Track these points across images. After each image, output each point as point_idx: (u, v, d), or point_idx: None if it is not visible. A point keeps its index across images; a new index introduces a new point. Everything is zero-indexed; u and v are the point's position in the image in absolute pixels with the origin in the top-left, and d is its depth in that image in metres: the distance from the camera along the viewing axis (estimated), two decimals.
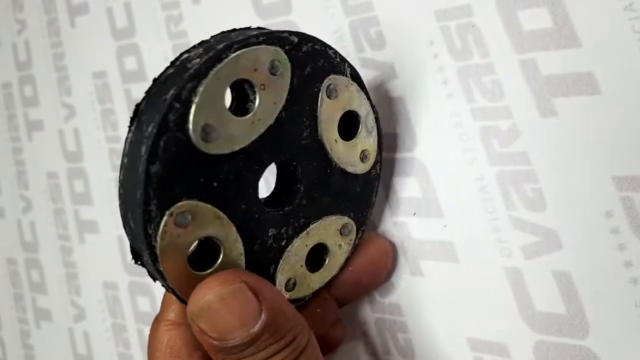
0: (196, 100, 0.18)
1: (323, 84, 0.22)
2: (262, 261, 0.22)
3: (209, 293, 0.18)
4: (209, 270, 0.20)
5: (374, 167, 0.24)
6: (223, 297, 0.18)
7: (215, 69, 0.18)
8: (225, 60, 0.18)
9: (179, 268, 0.19)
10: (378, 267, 0.27)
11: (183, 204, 0.19)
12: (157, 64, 0.36)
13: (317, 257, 0.24)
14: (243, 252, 0.21)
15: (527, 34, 0.24)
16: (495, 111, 0.25)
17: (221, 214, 0.20)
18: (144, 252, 0.19)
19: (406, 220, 0.27)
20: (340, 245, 0.24)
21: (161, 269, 0.19)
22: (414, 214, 0.27)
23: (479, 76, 0.25)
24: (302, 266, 0.23)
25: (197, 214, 0.19)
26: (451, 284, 0.26)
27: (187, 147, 0.18)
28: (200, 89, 0.18)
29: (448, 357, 0.27)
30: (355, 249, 0.25)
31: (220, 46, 0.19)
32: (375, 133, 0.24)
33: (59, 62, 0.42)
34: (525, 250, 0.24)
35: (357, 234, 0.25)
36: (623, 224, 0.23)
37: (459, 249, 0.26)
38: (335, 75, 0.22)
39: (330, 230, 0.24)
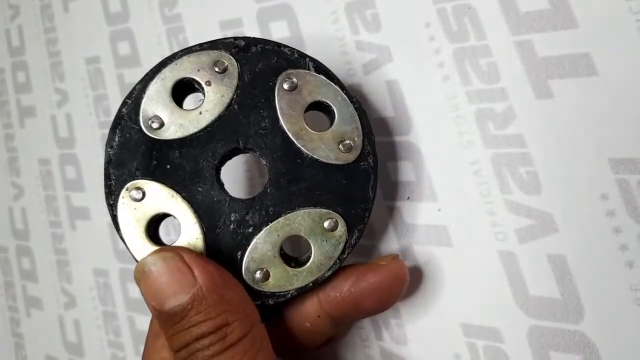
0: (144, 97, 0.23)
1: (279, 78, 0.23)
2: (226, 245, 0.23)
3: (148, 258, 0.20)
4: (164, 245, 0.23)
5: (363, 158, 0.23)
6: (157, 263, 0.20)
7: (160, 73, 0.23)
8: (169, 65, 0.23)
9: (137, 238, 0.23)
10: (386, 294, 0.24)
11: (137, 181, 0.23)
12: (150, 48, 0.36)
13: (303, 253, 0.24)
14: (202, 232, 0.23)
15: (524, 15, 0.24)
16: (491, 93, 0.25)
17: (174, 193, 0.23)
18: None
19: (400, 205, 0.27)
20: (325, 241, 0.23)
21: (122, 236, 0.23)
22: (408, 198, 0.27)
23: (475, 58, 0.25)
24: (275, 256, 0.23)
25: (149, 191, 0.23)
26: (445, 268, 0.26)
27: (138, 134, 0.23)
28: (148, 88, 0.23)
29: (441, 343, 0.26)
30: (351, 249, 0.23)
31: (169, 56, 0.24)
32: (357, 123, 0.23)
33: (52, 47, 0.41)
34: (519, 234, 0.24)
35: (350, 233, 0.23)
36: (619, 207, 0.22)
37: (452, 233, 0.26)
38: (294, 70, 0.23)
39: (307, 223, 0.23)
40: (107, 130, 0.38)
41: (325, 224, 0.23)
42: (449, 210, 0.26)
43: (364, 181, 0.23)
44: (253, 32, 0.31)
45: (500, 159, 0.25)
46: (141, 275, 0.20)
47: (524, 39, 0.24)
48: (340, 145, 0.23)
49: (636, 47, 0.22)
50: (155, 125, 0.23)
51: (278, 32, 0.30)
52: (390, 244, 0.27)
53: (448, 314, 0.26)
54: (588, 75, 0.23)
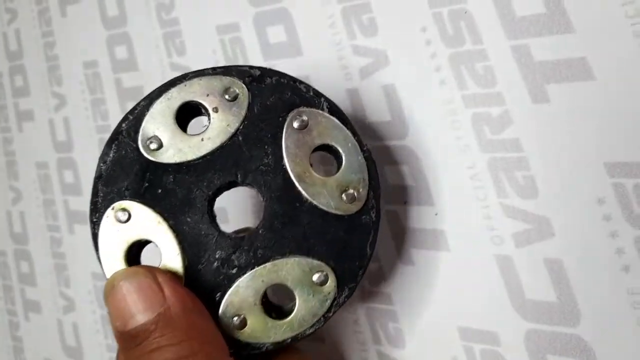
0: (147, 115, 0.22)
1: (289, 115, 0.22)
2: (206, 283, 0.21)
3: (118, 273, 0.19)
4: None
5: (365, 212, 0.22)
6: (127, 279, 0.19)
7: (167, 92, 0.22)
8: (178, 85, 0.22)
9: (114, 260, 0.21)
10: None
11: (125, 202, 0.22)
12: (148, 52, 0.36)
13: (288, 301, 0.22)
14: (183, 266, 0.21)
15: (520, 19, 0.24)
16: (488, 98, 0.25)
17: (162, 219, 0.22)
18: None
19: (397, 209, 0.27)
20: (312, 295, 0.21)
21: (99, 256, 0.21)
22: (405, 202, 0.27)
23: (472, 62, 0.25)
24: (255, 304, 0.21)
25: (136, 214, 0.22)
26: (442, 272, 0.26)
27: (134, 153, 0.22)
28: (153, 106, 0.22)
29: (438, 347, 0.26)
30: (339, 308, 0.21)
31: (179, 76, 0.23)
32: (364, 173, 0.22)
33: (49, 51, 0.41)
34: (516, 238, 0.24)
35: (340, 290, 0.21)
36: (615, 211, 0.22)
37: (450, 237, 0.26)
38: (307, 108, 0.22)
39: (295, 273, 0.21)
40: (104, 135, 0.38)
41: (315, 277, 0.21)
42: (446, 215, 0.26)
43: (363, 236, 0.22)
44: (250, 36, 0.31)
45: (496, 164, 0.25)
46: (109, 291, 0.19)
47: (520, 44, 0.24)
48: (343, 195, 0.22)
49: (632, 52, 0.22)
50: (153, 146, 0.22)
51: (275, 37, 0.30)
52: (388, 249, 0.27)
53: (445, 317, 0.26)
54: (584, 80, 0.23)
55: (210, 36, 0.33)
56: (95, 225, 0.22)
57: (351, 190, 0.22)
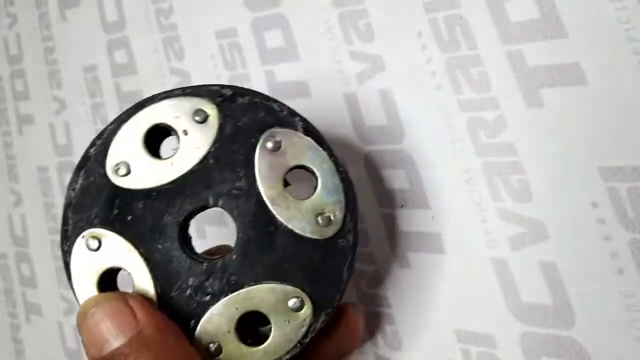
0: (115, 139, 0.21)
1: (262, 136, 0.21)
2: (179, 310, 0.21)
3: (89, 300, 0.19)
4: None
5: (342, 235, 0.21)
6: (99, 306, 0.19)
7: (135, 115, 0.21)
8: (146, 107, 0.21)
9: (86, 289, 0.21)
10: (343, 347, 0.23)
11: (94, 230, 0.21)
12: (147, 57, 0.36)
13: (263, 331, 0.22)
14: (156, 293, 0.21)
15: (514, 25, 0.24)
16: (482, 102, 0.25)
17: (132, 247, 0.21)
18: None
19: (394, 212, 0.27)
20: (287, 322, 0.21)
21: (72, 285, 0.21)
22: (402, 205, 0.27)
23: (467, 67, 0.25)
24: (229, 332, 0.21)
25: (106, 242, 0.21)
26: (438, 275, 0.26)
27: (102, 179, 0.21)
28: (120, 130, 0.21)
29: (435, 349, 0.27)
30: (315, 334, 0.21)
31: (148, 98, 0.22)
32: (340, 195, 0.21)
33: (49, 55, 0.41)
34: (511, 241, 0.24)
35: (316, 315, 0.21)
36: (609, 215, 0.23)
37: (446, 240, 0.26)
38: (280, 129, 0.21)
39: (270, 299, 0.21)
40: None
41: (290, 303, 0.21)
42: (442, 218, 0.26)
43: (340, 260, 0.21)
44: (248, 41, 0.32)
45: (491, 167, 0.25)
46: (82, 319, 0.19)
47: (515, 49, 0.24)
48: (319, 218, 0.21)
49: (625, 57, 0.22)
50: (122, 171, 0.21)
51: (273, 42, 0.31)
52: (384, 252, 0.28)
53: (442, 320, 0.26)
54: (578, 85, 0.23)
55: (209, 41, 0.33)
56: (66, 254, 0.21)
57: (327, 214, 0.21)
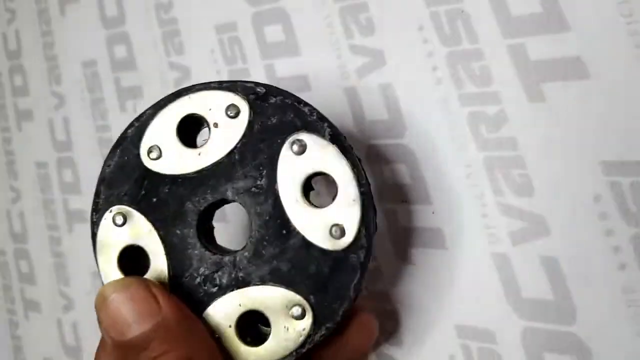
0: (151, 124, 0.22)
1: (289, 138, 0.21)
2: (187, 297, 0.21)
3: (110, 284, 0.19)
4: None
5: (354, 250, 0.20)
6: (120, 291, 0.19)
7: (172, 103, 0.22)
8: (183, 97, 0.22)
9: (108, 262, 0.22)
10: (355, 351, 0.23)
11: (122, 207, 0.22)
12: (147, 52, 0.36)
13: (264, 331, 0.22)
14: (168, 276, 0.21)
15: (516, 19, 0.24)
16: (484, 97, 0.25)
17: (152, 228, 0.22)
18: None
19: (395, 207, 0.27)
20: (287, 328, 0.20)
21: (96, 255, 0.22)
22: (403, 201, 0.27)
23: (468, 62, 0.25)
24: (230, 326, 0.21)
25: (131, 220, 0.22)
26: (439, 270, 0.26)
27: (135, 160, 0.22)
28: (157, 116, 0.22)
29: (436, 345, 0.26)
30: (312, 346, 0.20)
31: (186, 87, 0.23)
32: (358, 208, 0.20)
33: (49, 51, 0.41)
34: (512, 236, 0.24)
35: (316, 328, 0.20)
36: (611, 209, 0.22)
37: (447, 235, 0.26)
38: (307, 133, 0.21)
39: (274, 303, 0.20)
40: (104, 134, 0.38)
41: (292, 310, 0.20)
42: (443, 213, 0.26)
43: (348, 276, 0.20)
44: (248, 36, 0.31)
45: (493, 162, 0.25)
46: (102, 302, 0.19)
47: (516, 43, 0.24)
48: (333, 228, 0.20)
49: (627, 50, 0.22)
50: (153, 155, 0.22)
51: (273, 36, 0.31)
52: (385, 247, 0.28)
53: (442, 315, 0.26)
54: (580, 79, 0.23)
55: (209, 35, 0.33)
56: (94, 225, 0.22)
57: (342, 225, 0.20)
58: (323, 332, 0.20)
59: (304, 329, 0.20)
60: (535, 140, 0.24)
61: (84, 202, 0.39)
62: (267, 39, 0.31)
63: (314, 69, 0.29)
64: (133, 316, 0.18)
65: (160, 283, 0.21)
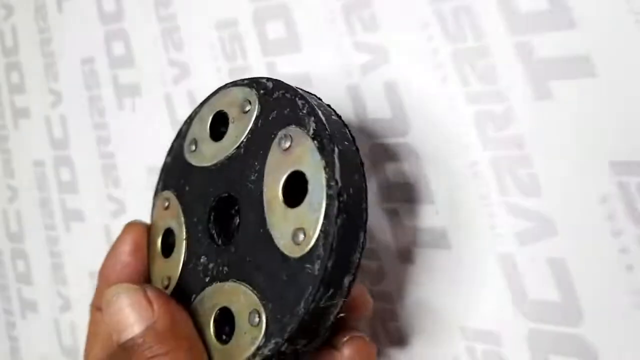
0: (195, 119, 0.24)
1: (279, 133, 0.20)
2: (188, 284, 0.22)
3: (113, 288, 0.21)
4: (166, 258, 0.24)
5: (309, 260, 0.18)
6: (120, 295, 0.20)
7: (210, 99, 0.24)
8: (217, 94, 0.24)
9: (154, 243, 0.24)
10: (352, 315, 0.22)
11: (168, 192, 0.24)
12: (145, 48, 0.35)
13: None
14: (182, 261, 0.23)
15: (523, 15, 0.24)
16: (490, 95, 0.24)
17: (182, 215, 0.23)
18: None
19: (398, 207, 0.27)
20: (245, 332, 0.19)
21: (150, 231, 0.25)
22: (406, 200, 0.27)
23: (474, 59, 0.25)
24: (210, 320, 0.20)
25: (171, 205, 0.24)
26: (443, 271, 0.26)
27: (181, 152, 0.24)
28: (200, 111, 0.24)
29: (439, 346, 0.26)
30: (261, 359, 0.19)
31: (224, 85, 0.24)
32: (320, 214, 0.18)
33: (46, 47, 0.41)
34: (519, 237, 0.24)
35: (266, 340, 0.18)
36: (619, 210, 0.22)
37: (451, 235, 0.26)
38: (296, 128, 0.19)
39: (241, 305, 0.19)
40: (101, 132, 0.38)
41: (252, 316, 0.19)
42: (447, 213, 0.26)
43: (301, 289, 0.18)
44: (249, 32, 0.31)
45: (499, 161, 0.24)
46: (105, 305, 0.20)
47: (523, 40, 0.24)
48: (296, 233, 0.18)
49: (636, 48, 0.22)
50: (192, 148, 0.24)
51: (274, 33, 0.30)
52: (389, 247, 0.27)
53: (447, 317, 0.26)
54: (588, 77, 0.22)
55: (209, 32, 0.32)
56: (153, 207, 0.25)
57: (303, 230, 0.18)
58: (272, 347, 0.18)
59: (256, 338, 0.19)
60: (542, 139, 0.23)
61: (82, 201, 0.39)
62: (268, 35, 0.30)
63: (316, 66, 0.29)
64: (129, 320, 0.19)
65: (172, 274, 0.23)
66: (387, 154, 0.27)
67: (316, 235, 0.18)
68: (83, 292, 0.39)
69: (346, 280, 0.18)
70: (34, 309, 0.42)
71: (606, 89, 0.22)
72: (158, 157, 0.34)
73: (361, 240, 0.19)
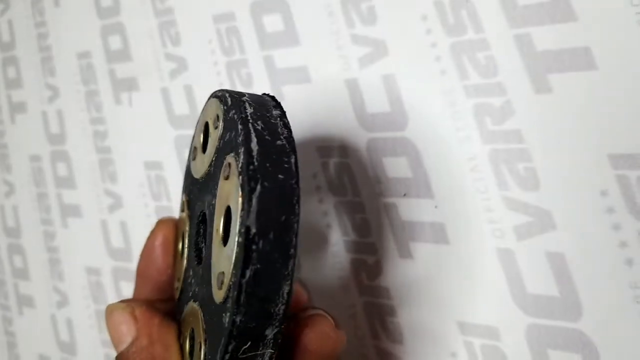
0: (197, 126, 0.23)
1: (224, 161, 0.18)
2: (185, 292, 0.22)
3: (111, 305, 0.22)
4: (181, 260, 0.24)
5: (224, 310, 0.16)
6: (114, 312, 0.22)
7: (205, 105, 0.22)
8: (209, 100, 0.22)
9: (176, 241, 0.24)
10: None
11: (185, 196, 0.24)
12: (142, 42, 0.35)
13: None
14: (184, 268, 0.23)
15: (522, 8, 0.23)
16: (489, 88, 0.24)
17: (188, 221, 0.23)
18: None
19: (396, 201, 0.27)
20: (191, 357, 0.19)
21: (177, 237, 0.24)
22: (404, 194, 0.26)
23: (473, 52, 0.25)
24: (186, 336, 0.20)
25: (184, 209, 0.24)
26: (441, 266, 0.26)
27: (188, 158, 0.24)
28: (200, 117, 0.23)
29: (438, 341, 0.26)
30: None
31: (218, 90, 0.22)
32: (230, 261, 0.16)
33: (42, 42, 0.40)
34: (517, 231, 0.24)
35: None
36: (618, 203, 0.22)
37: (449, 230, 0.25)
38: (233, 156, 0.17)
39: (198, 327, 0.19)
40: (98, 127, 0.37)
41: (200, 344, 0.18)
42: (445, 207, 0.25)
43: (219, 337, 0.16)
44: (246, 25, 0.31)
45: (498, 155, 0.24)
46: (105, 320, 0.22)
47: (523, 32, 0.23)
48: (218, 276, 0.17)
49: (636, 41, 0.22)
50: (192, 156, 0.23)
51: (272, 26, 0.30)
52: (386, 242, 0.27)
53: (445, 312, 0.26)
54: (587, 70, 0.22)
55: (206, 26, 0.32)
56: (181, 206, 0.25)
57: (224, 275, 0.16)
58: None
59: None
60: (541, 132, 0.23)
61: (79, 196, 0.38)
62: (266, 28, 0.30)
63: (314, 60, 0.29)
64: (118, 336, 0.21)
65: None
66: (385, 147, 0.27)
67: (227, 286, 0.16)
68: (80, 287, 0.38)
69: (269, 332, 0.16)
70: (31, 304, 0.41)
71: (606, 82, 0.22)
72: (155, 152, 0.34)
73: (285, 291, 0.16)
